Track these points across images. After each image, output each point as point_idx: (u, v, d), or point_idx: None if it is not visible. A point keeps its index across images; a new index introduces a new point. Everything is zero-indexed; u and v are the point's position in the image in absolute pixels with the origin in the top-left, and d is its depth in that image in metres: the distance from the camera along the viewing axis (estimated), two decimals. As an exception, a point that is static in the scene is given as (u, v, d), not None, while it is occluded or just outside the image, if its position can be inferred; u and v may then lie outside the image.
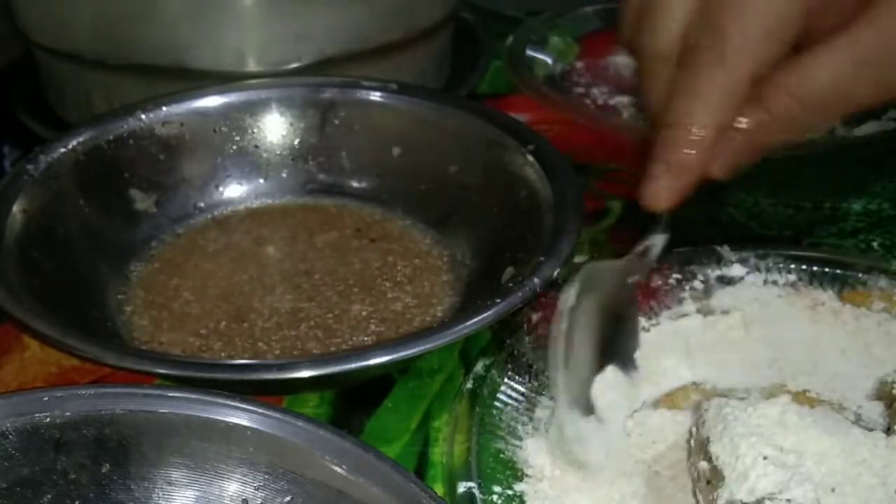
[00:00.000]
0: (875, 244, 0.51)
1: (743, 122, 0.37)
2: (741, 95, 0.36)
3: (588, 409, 0.36)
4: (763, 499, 0.32)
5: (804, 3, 0.35)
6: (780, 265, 0.46)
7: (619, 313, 0.38)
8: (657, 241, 0.39)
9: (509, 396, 0.40)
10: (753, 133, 0.37)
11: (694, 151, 0.36)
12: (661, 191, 0.37)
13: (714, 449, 0.34)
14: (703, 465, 0.35)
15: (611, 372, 0.36)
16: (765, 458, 0.33)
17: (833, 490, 0.33)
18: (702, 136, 0.36)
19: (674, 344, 0.43)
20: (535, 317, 0.43)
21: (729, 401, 0.36)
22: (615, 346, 0.37)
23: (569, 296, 0.37)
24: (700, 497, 0.35)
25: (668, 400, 0.41)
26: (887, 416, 0.39)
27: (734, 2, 0.35)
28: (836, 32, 0.35)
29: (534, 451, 0.38)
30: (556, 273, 0.41)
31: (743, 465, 0.33)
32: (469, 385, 0.39)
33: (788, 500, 0.32)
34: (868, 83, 0.36)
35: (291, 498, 0.33)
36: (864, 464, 0.34)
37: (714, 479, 0.34)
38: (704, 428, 0.35)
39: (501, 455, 0.37)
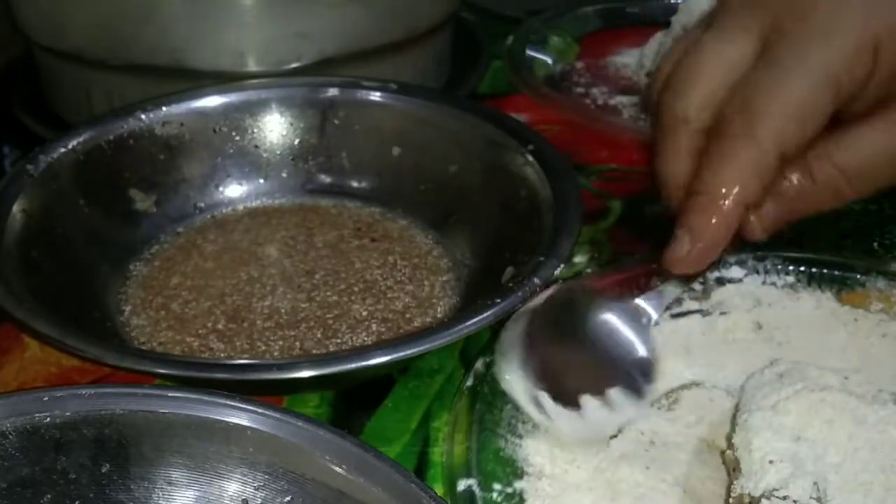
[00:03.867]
0: (875, 244, 0.51)
1: (788, 186, 0.38)
2: (769, 173, 0.37)
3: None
4: (763, 497, 0.32)
5: (835, 94, 0.36)
6: (779, 267, 0.46)
7: (621, 343, 0.39)
8: (670, 292, 0.40)
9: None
10: (796, 199, 0.38)
11: (721, 221, 0.37)
12: (684, 255, 0.38)
13: (735, 440, 0.35)
14: (729, 454, 0.35)
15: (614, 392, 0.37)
16: (770, 461, 0.33)
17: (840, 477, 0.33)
18: (729, 207, 0.37)
19: (673, 344, 0.43)
20: (534, 317, 0.43)
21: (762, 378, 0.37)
22: (616, 368, 0.38)
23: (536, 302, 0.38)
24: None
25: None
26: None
27: (768, 86, 0.36)
28: (875, 112, 0.37)
29: (534, 449, 0.38)
30: (556, 273, 0.41)
31: (754, 460, 0.33)
32: (469, 382, 0.39)
33: (786, 498, 0.32)
34: None
35: (291, 498, 0.33)
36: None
37: (737, 468, 0.34)
38: (738, 413, 0.36)
39: (501, 453, 0.37)
